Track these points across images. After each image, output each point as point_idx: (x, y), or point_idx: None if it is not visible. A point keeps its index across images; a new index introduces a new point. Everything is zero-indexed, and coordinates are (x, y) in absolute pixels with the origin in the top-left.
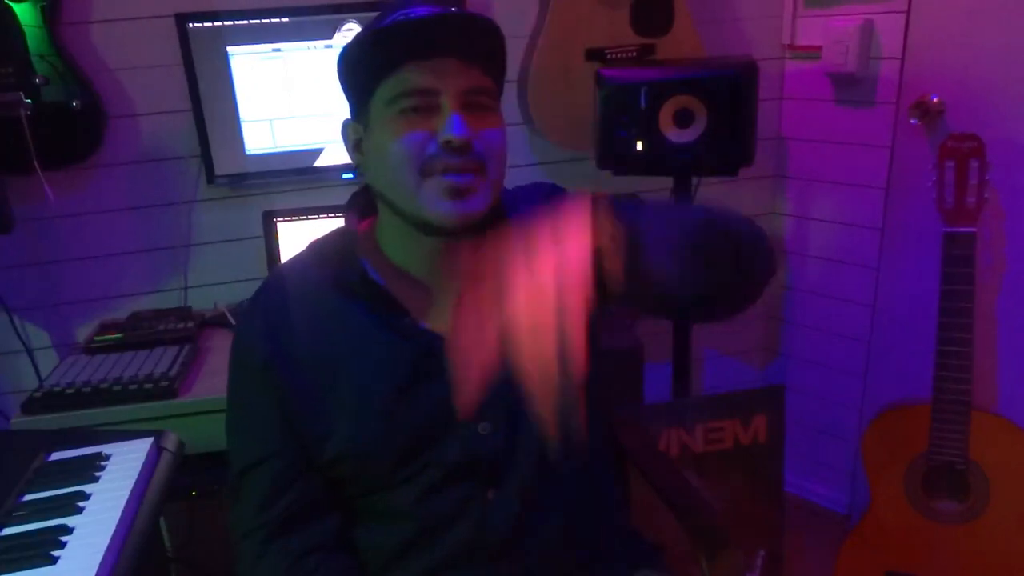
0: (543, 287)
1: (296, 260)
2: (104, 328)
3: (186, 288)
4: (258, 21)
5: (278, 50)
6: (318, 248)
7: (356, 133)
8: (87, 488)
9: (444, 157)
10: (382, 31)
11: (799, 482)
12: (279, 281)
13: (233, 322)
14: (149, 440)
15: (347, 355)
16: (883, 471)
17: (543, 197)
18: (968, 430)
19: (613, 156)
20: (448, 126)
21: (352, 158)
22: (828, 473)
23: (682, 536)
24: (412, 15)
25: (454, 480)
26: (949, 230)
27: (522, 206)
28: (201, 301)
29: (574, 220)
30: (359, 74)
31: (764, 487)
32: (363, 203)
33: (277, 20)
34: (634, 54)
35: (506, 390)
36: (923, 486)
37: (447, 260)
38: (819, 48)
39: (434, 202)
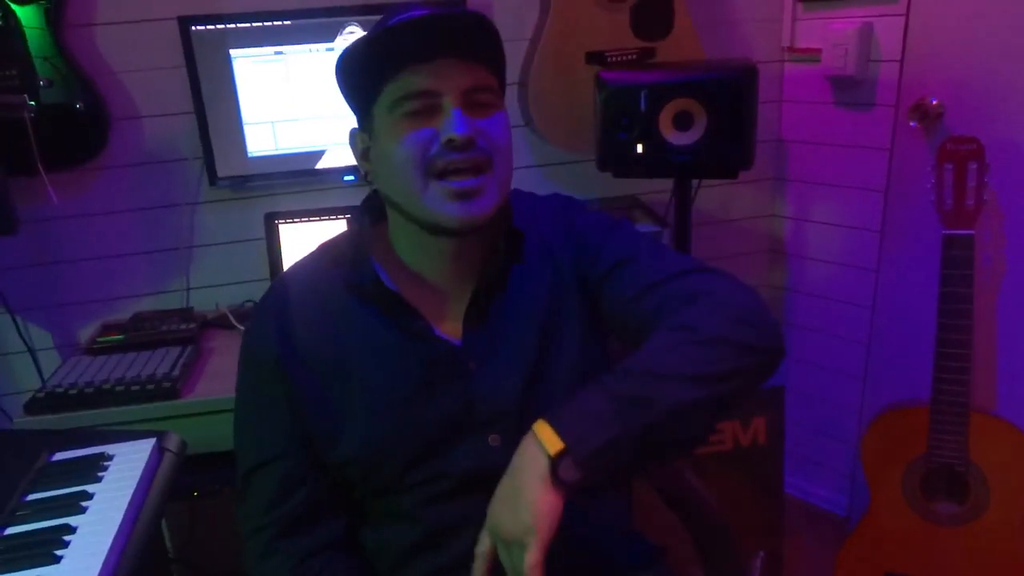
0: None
1: (306, 261)
2: (106, 329)
3: (188, 289)
4: (260, 24)
5: (280, 53)
6: (329, 249)
7: (363, 142)
8: (90, 488)
9: (448, 155)
10: (378, 37)
11: (799, 483)
12: (289, 282)
13: (235, 323)
14: (152, 440)
15: (357, 357)
16: (882, 473)
17: (557, 211)
18: (967, 432)
19: (613, 158)
20: (450, 124)
21: (361, 167)
22: (827, 475)
23: (683, 537)
24: (407, 18)
25: (464, 490)
26: (948, 232)
27: (537, 218)
28: (203, 302)
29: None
30: (360, 82)
31: (764, 488)
32: (375, 207)
33: (279, 23)
34: (634, 57)
35: (516, 403)
36: (922, 488)
37: (458, 261)
38: (819, 51)
39: (441, 204)
